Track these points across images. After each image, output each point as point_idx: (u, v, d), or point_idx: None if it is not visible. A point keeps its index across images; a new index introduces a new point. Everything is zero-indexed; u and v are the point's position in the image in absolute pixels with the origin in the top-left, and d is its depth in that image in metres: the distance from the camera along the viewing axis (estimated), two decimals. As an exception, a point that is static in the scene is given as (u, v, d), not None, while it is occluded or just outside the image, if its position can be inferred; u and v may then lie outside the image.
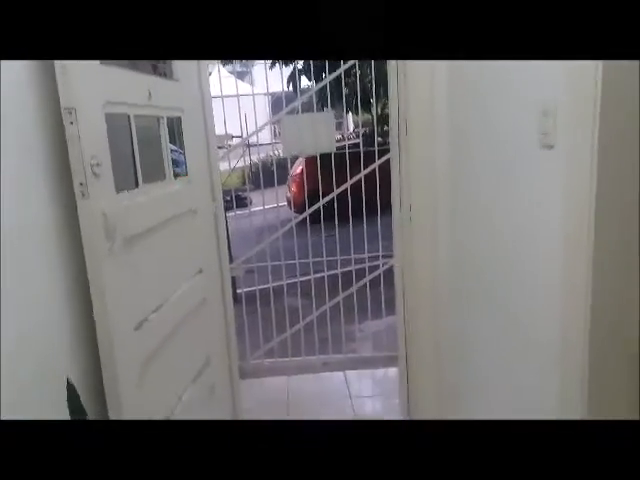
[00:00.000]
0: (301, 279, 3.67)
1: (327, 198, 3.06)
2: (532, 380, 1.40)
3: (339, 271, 3.48)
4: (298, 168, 6.28)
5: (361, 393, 2.68)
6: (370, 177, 3.05)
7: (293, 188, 6.07)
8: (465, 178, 1.78)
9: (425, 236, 1.95)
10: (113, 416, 1.15)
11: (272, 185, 3.48)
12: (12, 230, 1.00)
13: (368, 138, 4.95)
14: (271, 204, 4.12)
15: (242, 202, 5.37)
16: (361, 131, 4.80)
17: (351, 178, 3.03)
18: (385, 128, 3.79)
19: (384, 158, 2.64)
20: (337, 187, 3.10)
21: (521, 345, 1.46)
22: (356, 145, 3.33)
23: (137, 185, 1.39)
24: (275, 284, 3.78)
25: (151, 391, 1.31)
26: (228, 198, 5.42)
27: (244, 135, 2.90)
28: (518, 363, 1.50)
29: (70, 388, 0.87)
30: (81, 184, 1.14)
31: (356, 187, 3.16)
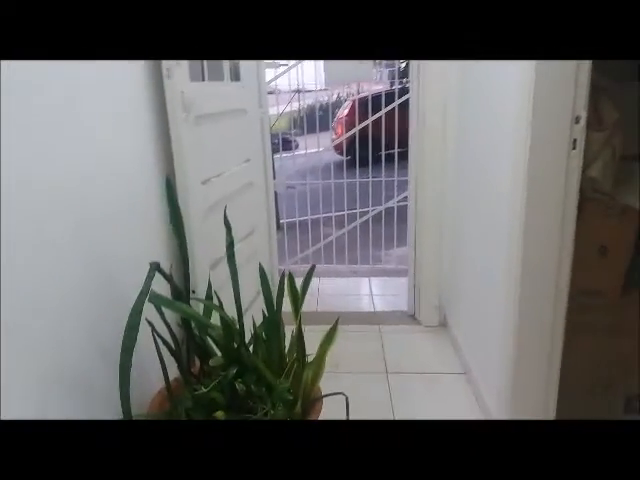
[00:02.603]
0: (336, 214, 4.15)
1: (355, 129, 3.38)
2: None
3: (370, 209, 3.89)
4: (345, 111, 6.42)
5: (381, 293, 3.15)
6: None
7: (338, 130, 6.25)
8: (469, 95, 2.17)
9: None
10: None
11: (321, 129, 3.78)
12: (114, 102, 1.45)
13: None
14: (317, 148, 4.47)
15: (288, 145, 5.70)
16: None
17: (401, 124, 3.21)
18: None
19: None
20: (384, 131, 3.34)
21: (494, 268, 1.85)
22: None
23: (203, 79, 1.86)
24: (313, 216, 4.23)
25: (211, 230, 1.80)
26: (275, 141, 5.79)
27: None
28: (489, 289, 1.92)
29: (168, 183, 1.36)
30: (167, 69, 1.62)
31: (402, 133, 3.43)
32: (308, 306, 2.77)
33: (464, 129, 2.21)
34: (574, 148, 1.38)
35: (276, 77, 3.24)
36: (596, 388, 1.70)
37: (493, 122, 1.78)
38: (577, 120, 1.36)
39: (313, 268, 1.47)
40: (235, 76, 2.14)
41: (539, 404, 1.64)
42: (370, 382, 2.15)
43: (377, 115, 3.32)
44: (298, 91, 4.30)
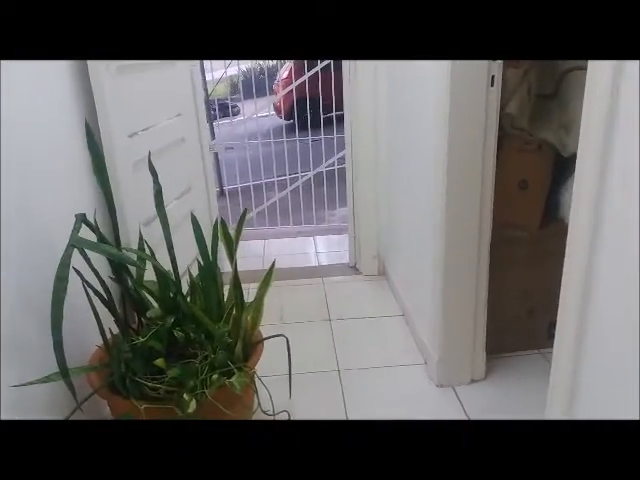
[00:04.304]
0: (278, 178, 4.13)
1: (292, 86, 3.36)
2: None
3: (311, 172, 3.90)
4: (285, 73, 6.15)
5: (325, 250, 3.21)
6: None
7: (279, 93, 5.94)
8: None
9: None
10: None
11: (262, 94, 3.66)
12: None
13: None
14: (259, 113, 4.38)
15: (227, 111, 5.54)
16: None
17: (337, 86, 3.13)
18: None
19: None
20: (322, 94, 3.29)
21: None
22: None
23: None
24: (255, 182, 4.19)
25: (141, 188, 1.75)
26: (214, 107, 5.61)
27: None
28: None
29: (87, 128, 1.30)
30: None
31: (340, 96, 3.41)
32: (254, 266, 2.79)
33: (394, 81, 2.23)
34: (492, 85, 1.44)
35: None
36: (521, 316, 1.82)
37: (418, 67, 1.81)
38: (494, 57, 1.41)
39: (245, 212, 1.47)
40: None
41: (469, 335, 1.74)
42: (314, 328, 2.21)
43: (314, 70, 3.27)
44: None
